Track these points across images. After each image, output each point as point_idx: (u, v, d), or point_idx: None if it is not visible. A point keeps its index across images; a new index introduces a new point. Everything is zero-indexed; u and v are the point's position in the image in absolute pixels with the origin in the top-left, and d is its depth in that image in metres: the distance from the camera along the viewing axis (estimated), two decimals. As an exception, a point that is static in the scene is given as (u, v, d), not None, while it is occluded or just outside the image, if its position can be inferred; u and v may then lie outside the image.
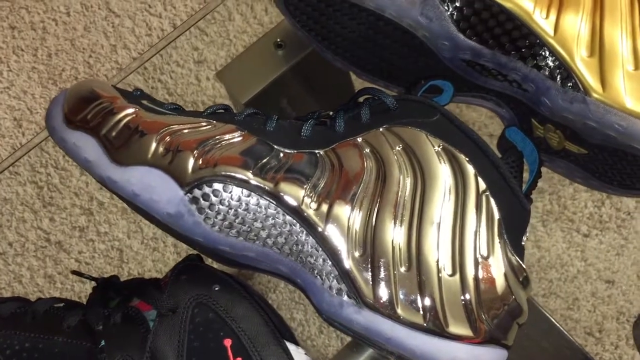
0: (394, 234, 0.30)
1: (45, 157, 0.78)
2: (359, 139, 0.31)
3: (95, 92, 0.32)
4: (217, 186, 0.30)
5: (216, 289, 0.31)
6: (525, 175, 0.35)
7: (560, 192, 0.57)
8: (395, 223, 0.30)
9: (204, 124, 0.31)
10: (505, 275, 0.30)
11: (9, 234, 0.74)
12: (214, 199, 0.30)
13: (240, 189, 0.30)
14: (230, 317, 0.30)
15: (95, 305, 0.31)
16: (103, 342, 0.29)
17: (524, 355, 0.45)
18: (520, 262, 0.30)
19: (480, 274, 0.29)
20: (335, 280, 0.30)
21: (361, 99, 0.33)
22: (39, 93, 0.80)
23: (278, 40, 0.42)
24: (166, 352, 0.29)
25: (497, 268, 0.30)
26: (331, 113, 0.34)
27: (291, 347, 0.31)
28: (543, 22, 0.32)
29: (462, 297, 0.29)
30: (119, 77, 0.81)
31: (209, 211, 0.30)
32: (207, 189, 0.30)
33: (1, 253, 0.72)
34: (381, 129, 0.32)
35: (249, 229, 0.30)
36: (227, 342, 0.30)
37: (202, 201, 0.30)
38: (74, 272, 0.33)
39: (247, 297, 0.31)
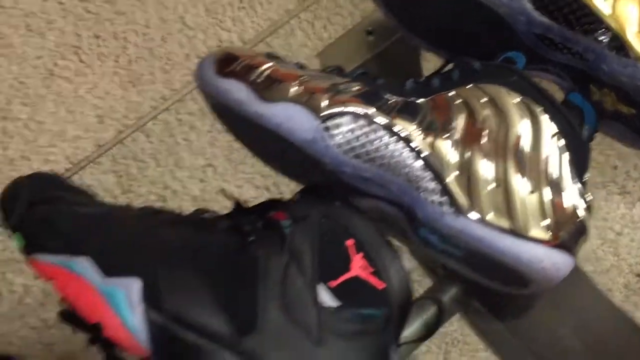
0: (484, 159, 0.38)
1: (125, 151, 0.86)
2: (451, 93, 0.39)
3: (239, 52, 0.41)
4: (345, 119, 0.38)
5: (337, 204, 0.38)
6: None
7: (594, 194, 0.64)
8: (485, 151, 0.38)
9: (328, 76, 0.39)
10: (574, 196, 0.37)
11: (91, 216, 0.81)
12: (342, 128, 0.38)
13: (363, 121, 0.38)
14: (351, 225, 0.38)
15: (240, 215, 0.38)
16: (252, 238, 0.37)
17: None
18: (585, 190, 0.37)
19: (555, 193, 0.37)
20: (437, 195, 0.37)
21: (450, 66, 0.41)
22: (119, 94, 0.89)
23: (369, 28, 0.51)
24: (302, 249, 0.37)
25: (568, 190, 0.37)
26: (422, 79, 0.42)
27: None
28: (603, 4, 0.40)
29: (541, 209, 0.37)
30: (192, 84, 0.90)
31: (338, 138, 0.38)
32: (337, 120, 0.38)
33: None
34: (469, 86, 0.39)
35: (368, 153, 0.38)
36: (349, 243, 0.37)
37: (332, 130, 0.38)
38: (222, 191, 0.40)
39: (362, 213, 0.38)
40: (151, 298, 0.35)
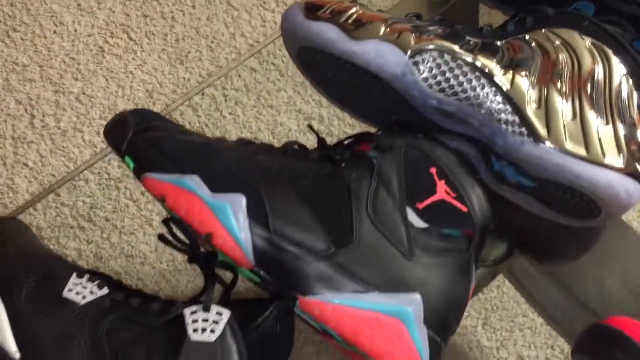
0: (561, 94, 0.41)
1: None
2: (527, 36, 0.42)
3: (323, 1, 0.44)
4: (432, 55, 0.41)
5: (420, 137, 0.41)
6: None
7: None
8: (561, 87, 0.41)
9: (411, 20, 0.43)
10: (643, 129, 0.40)
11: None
12: (429, 64, 0.41)
13: (448, 57, 0.41)
14: (434, 155, 0.41)
15: (327, 148, 0.41)
16: (343, 165, 0.39)
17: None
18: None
19: (628, 129, 0.40)
20: (517, 127, 0.40)
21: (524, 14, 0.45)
22: (167, 71, 0.92)
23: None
24: (389, 175, 0.39)
25: (638, 123, 0.40)
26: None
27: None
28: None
29: (615, 140, 0.40)
30: (238, 61, 0.93)
31: (425, 73, 0.41)
32: (424, 56, 0.41)
33: (136, 200, 0.82)
34: (543, 31, 0.42)
35: (453, 87, 0.41)
36: (433, 170, 0.40)
37: (420, 65, 0.41)
38: (309, 126, 0.42)
39: (444, 144, 0.41)
40: (256, 213, 0.38)
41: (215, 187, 0.38)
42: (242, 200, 0.38)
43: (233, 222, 0.37)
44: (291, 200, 0.39)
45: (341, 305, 0.37)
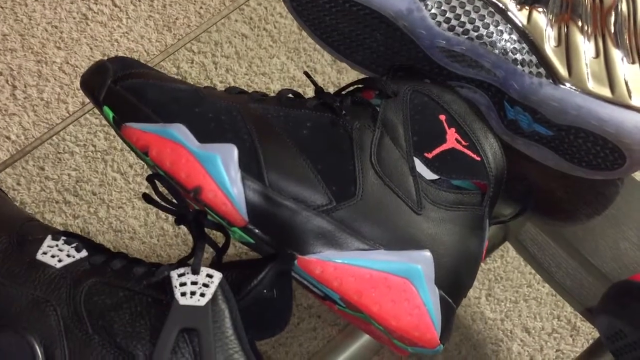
0: (582, 31, 0.37)
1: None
2: (542, -30, 0.39)
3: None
4: None
5: (427, 81, 0.38)
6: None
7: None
8: (581, 23, 0.37)
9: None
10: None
11: (130, 156, 0.80)
12: (437, -1, 0.37)
13: None
14: (442, 100, 0.37)
15: (326, 95, 0.38)
16: (344, 112, 0.36)
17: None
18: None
19: None
20: (534, 67, 0.37)
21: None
22: (155, 38, 0.88)
23: None
24: (394, 122, 0.36)
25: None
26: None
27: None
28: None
29: None
30: (227, 26, 0.89)
31: (433, 8, 0.37)
32: (432, -9, 0.37)
33: (123, 173, 0.79)
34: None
35: (463, 25, 0.37)
36: (442, 117, 0.37)
37: (427, 0, 0.37)
38: (306, 73, 0.39)
39: (453, 89, 0.38)
40: (248, 165, 0.34)
41: (203, 136, 0.35)
42: (233, 151, 0.34)
43: (223, 174, 0.34)
44: (287, 151, 0.35)
45: (344, 264, 0.33)
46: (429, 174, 0.36)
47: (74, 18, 0.89)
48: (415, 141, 0.36)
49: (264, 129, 0.36)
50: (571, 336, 0.71)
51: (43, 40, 0.88)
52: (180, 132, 0.35)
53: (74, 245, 0.35)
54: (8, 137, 0.84)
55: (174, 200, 0.37)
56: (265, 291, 0.36)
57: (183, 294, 0.33)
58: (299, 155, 0.35)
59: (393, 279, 0.33)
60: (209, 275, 0.34)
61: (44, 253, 0.34)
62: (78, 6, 0.90)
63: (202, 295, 0.33)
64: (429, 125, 0.37)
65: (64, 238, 0.35)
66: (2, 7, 0.91)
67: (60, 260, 0.34)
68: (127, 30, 0.88)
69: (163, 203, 0.38)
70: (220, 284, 0.33)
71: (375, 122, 0.36)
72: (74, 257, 0.35)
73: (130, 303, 0.33)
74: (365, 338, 0.42)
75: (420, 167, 0.36)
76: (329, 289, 0.34)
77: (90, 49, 0.87)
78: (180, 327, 0.32)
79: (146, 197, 0.39)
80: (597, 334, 0.48)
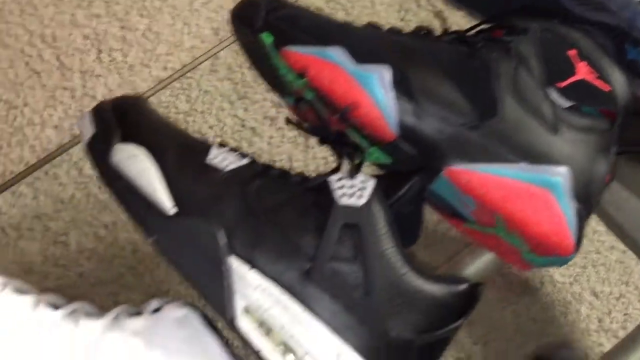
0: None
1: (241, 60, 0.88)
2: None
3: None
4: None
5: (555, 21, 0.41)
6: None
7: None
8: None
9: None
10: None
11: (210, 118, 0.84)
12: None
13: None
14: (571, 37, 0.41)
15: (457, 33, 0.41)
16: (480, 44, 0.39)
17: None
18: None
19: None
20: (662, 6, 0.39)
21: None
22: (233, 9, 0.91)
23: None
24: (527, 55, 0.39)
25: None
26: None
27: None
28: None
29: None
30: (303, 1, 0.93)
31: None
32: None
33: (203, 134, 0.83)
34: None
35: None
36: (571, 52, 0.40)
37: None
38: (437, 14, 0.42)
39: (580, 28, 0.41)
40: (400, 85, 0.38)
41: (360, 57, 0.38)
42: (386, 71, 0.38)
43: (378, 91, 0.37)
44: (433, 74, 0.38)
45: (489, 174, 0.37)
46: (562, 102, 0.39)
47: (156, -12, 0.93)
48: (547, 72, 0.39)
49: (411, 55, 0.39)
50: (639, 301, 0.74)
51: (127, 8, 0.91)
52: (338, 53, 0.38)
53: (236, 154, 0.38)
54: (94, 97, 0.88)
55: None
56: (401, 208, 0.39)
57: (342, 195, 0.36)
58: (444, 79, 0.38)
59: (535, 189, 0.36)
60: (364, 181, 0.37)
61: (212, 158, 0.38)
62: (160, -24, 0.93)
63: (360, 196, 0.36)
64: (559, 59, 0.40)
65: (227, 147, 0.39)
66: (87, -24, 0.95)
67: (227, 165, 0.38)
68: (207, 1, 0.92)
69: (305, 125, 0.41)
70: (374, 188, 0.36)
71: (509, 55, 0.39)
72: (238, 163, 0.38)
73: (294, 203, 0.36)
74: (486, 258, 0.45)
75: (554, 95, 0.39)
76: (472, 197, 0.37)
77: (172, 17, 0.91)
78: (342, 223, 0.35)
79: (288, 121, 0.43)
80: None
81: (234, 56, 0.91)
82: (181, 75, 0.89)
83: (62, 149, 0.82)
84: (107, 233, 0.77)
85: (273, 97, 0.88)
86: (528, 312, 0.74)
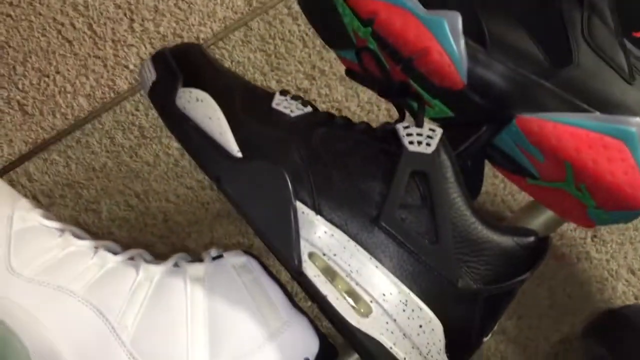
0: None
1: (274, 30, 0.88)
2: None
3: None
4: None
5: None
6: None
7: None
8: None
9: None
10: None
11: (243, 89, 0.83)
12: None
13: None
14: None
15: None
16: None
17: None
18: None
19: None
20: None
21: None
22: (266, -18, 0.90)
23: None
24: (600, 5, 0.38)
25: None
26: None
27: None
28: None
29: None
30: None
31: None
32: None
33: (236, 104, 0.82)
34: None
35: None
36: (646, 2, 0.39)
37: None
38: None
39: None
40: (471, 31, 0.37)
41: (430, 4, 0.37)
42: (457, 17, 0.37)
43: (449, 37, 0.36)
44: (506, 22, 0.37)
45: (561, 123, 0.36)
46: (637, 52, 0.38)
47: (189, -41, 0.92)
48: (622, 22, 0.38)
49: (483, 2, 0.38)
50: (676, 278, 0.73)
51: (159, -22, 0.91)
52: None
53: (299, 101, 0.38)
54: (127, 67, 0.87)
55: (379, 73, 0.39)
56: (463, 163, 0.39)
57: (411, 143, 0.35)
58: (517, 26, 0.37)
59: (609, 139, 0.36)
60: (432, 130, 0.36)
61: (277, 104, 0.37)
62: (192, -52, 0.92)
63: (428, 144, 0.35)
64: (634, 9, 0.39)
65: (290, 94, 0.38)
66: (120, -55, 0.94)
67: (292, 112, 0.37)
68: (240, -27, 0.91)
69: (367, 76, 0.40)
70: (442, 137, 0.36)
71: (582, 5, 0.38)
72: (302, 110, 0.37)
73: (360, 150, 0.36)
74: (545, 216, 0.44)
75: (629, 46, 0.38)
76: (544, 147, 0.36)
77: (205, -12, 0.90)
78: (411, 169, 0.35)
79: (349, 73, 0.42)
80: None
81: (266, 27, 0.90)
82: (212, 44, 0.89)
83: (93, 115, 0.81)
84: (138, 202, 0.76)
85: (306, 69, 0.87)
86: (563, 288, 0.73)
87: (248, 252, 0.38)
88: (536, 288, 0.73)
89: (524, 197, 0.70)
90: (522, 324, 0.72)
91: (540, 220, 0.43)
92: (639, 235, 0.75)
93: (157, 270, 0.36)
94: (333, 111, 0.83)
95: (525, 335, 0.70)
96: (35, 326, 0.33)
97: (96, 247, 0.37)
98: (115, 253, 0.37)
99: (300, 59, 0.87)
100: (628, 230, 0.75)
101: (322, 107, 0.87)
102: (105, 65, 0.87)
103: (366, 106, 0.79)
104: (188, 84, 0.38)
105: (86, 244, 0.36)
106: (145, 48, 0.90)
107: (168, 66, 0.38)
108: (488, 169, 0.43)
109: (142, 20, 0.91)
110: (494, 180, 0.73)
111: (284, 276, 0.62)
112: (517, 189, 0.44)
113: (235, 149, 0.35)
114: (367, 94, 0.78)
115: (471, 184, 0.40)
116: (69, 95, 0.85)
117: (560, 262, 0.75)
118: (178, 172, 0.81)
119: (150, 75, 0.39)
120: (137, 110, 0.79)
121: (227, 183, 0.34)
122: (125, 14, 0.91)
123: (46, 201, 0.76)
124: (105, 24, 0.89)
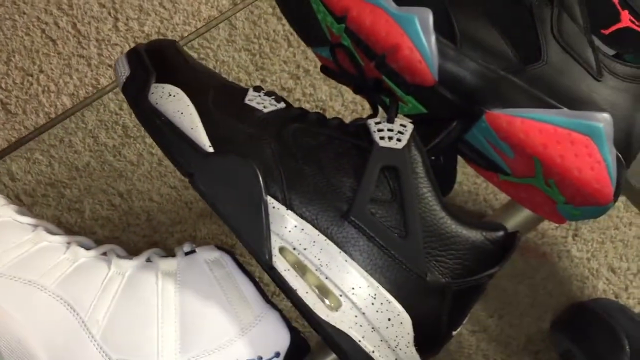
0: None
1: (259, 30, 0.88)
2: None
3: None
4: None
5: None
6: None
7: None
8: None
9: None
10: None
11: (227, 89, 0.84)
12: None
13: None
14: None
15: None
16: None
17: None
18: None
19: None
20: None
21: None
22: (251, -19, 0.91)
23: None
24: (571, 2, 0.39)
25: None
26: None
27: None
28: None
29: None
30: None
31: None
32: None
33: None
34: None
35: None
36: (615, 0, 0.39)
37: None
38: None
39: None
40: (442, 28, 0.37)
41: (401, 0, 0.38)
42: (428, 13, 0.37)
43: (420, 33, 0.37)
44: (476, 19, 0.38)
45: (530, 119, 0.36)
46: (606, 49, 0.39)
47: (173, -42, 0.92)
48: (591, 19, 0.39)
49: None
50: (656, 276, 0.74)
51: (144, -22, 0.91)
52: (379, -5, 0.37)
53: (272, 97, 0.38)
54: (111, 66, 0.87)
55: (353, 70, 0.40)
56: (434, 158, 0.39)
57: (382, 138, 0.36)
58: (487, 23, 0.38)
59: (576, 135, 0.36)
60: (403, 125, 0.36)
61: (250, 100, 0.37)
62: (177, -53, 0.93)
63: (399, 140, 0.36)
64: (602, 7, 0.40)
65: (263, 90, 0.38)
66: (105, -55, 0.94)
67: (265, 107, 0.37)
68: (225, -28, 0.91)
69: (341, 73, 0.41)
70: (412, 133, 0.36)
71: (551, 2, 0.39)
72: (275, 106, 0.38)
73: (332, 145, 0.36)
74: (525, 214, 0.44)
75: (598, 42, 0.39)
76: (512, 143, 0.36)
77: (189, -12, 0.90)
78: (382, 165, 0.35)
79: (324, 70, 0.42)
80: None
81: (251, 27, 0.91)
82: (197, 43, 0.89)
83: (72, 110, 0.81)
84: (121, 201, 0.76)
85: (291, 68, 0.87)
86: (544, 286, 0.73)
87: (221, 247, 0.38)
88: (517, 286, 0.74)
89: (505, 197, 0.71)
90: (503, 322, 0.72)
91: (519, 218, 0.44)
92: (620, 234, 0.75)
93: (129, 265, 0.36)
94: (317, 110, 0.83)
95: (507, 333, 0.70)
96: (6, 320, 0.33)
97: (69, 243, 0.37)
98: (88, 248, 0.37)
99: (285, 59, 0.88)
100: (609, 229, 0.76)
101: (306, 106, 0.87)
102: (89, 65, 0.87)
103: (350, 105, 0.80)
104: (161, 79, 0.38)
105: (58, 239, 0.36)
106: (130, 47, 0.90)
107: (141, 62, 0.38)
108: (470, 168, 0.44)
109: (127, 20, 0.91)
110: (475, 180, 0.74)
111: (262, 272, 0.62)
112: (499, 188, 0.44)
113: (206, 144, 0.35)
114: (351, 94, 0.79)
115: (444, 180, 0.40)
116: (52, 94, 0.85)
117: (541, 261, 0.75)
118: (162, 171, 0.81)
119: (124, 71, 0.39)
120: (120, 109, 0.79)
121: (198, 178, 0.34)
122: (109, 13, 0.91)
123: (29, 200, 0.76)
124: (89, 23, 0.89)
